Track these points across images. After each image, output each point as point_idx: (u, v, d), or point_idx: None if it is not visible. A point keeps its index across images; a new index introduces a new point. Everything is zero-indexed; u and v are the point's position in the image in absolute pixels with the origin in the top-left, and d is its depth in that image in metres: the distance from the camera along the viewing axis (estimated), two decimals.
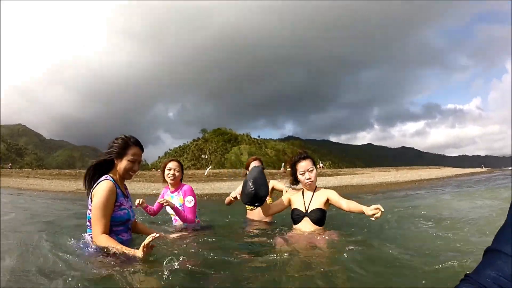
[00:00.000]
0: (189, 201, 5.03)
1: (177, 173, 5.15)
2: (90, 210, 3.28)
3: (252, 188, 4.06)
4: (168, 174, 5.12)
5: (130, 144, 3.49)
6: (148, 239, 2.83)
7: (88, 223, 3.36)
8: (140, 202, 4.82)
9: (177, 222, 5.15)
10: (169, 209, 5.09)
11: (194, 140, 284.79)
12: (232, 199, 5.11)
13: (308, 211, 4.35)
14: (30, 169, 51.15)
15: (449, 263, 2.80)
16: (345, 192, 19.81)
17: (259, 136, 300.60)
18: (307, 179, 4.39)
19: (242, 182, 4.46)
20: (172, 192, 5.20)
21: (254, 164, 5.37)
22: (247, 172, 5.32)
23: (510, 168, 68.94)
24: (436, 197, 12.33)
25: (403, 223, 5.51)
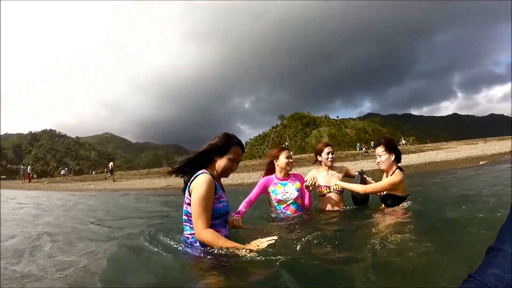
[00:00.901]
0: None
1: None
2: (187, 204, 3.31)
3: (355, 197, 5.41)
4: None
5: (233, 143, 3.51)
6: (269, 242, 2.86)
7: (185, 217, 3.38)
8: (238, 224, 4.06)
9: (285, 214, 4.98)
10: (284, 196, 4.99)
11: (273, 127, 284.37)
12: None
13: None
14: (122, 171, 54.42)
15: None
16: (428, 169, 19.38)
17: (337, 117, 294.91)
18: (377, 163, 5.03)
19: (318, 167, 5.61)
20: (282, 180, 5.11)
21: (328, 150, 5.48)
22: (318, 158, 5.61)
23: None
24: None
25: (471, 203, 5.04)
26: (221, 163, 3.44)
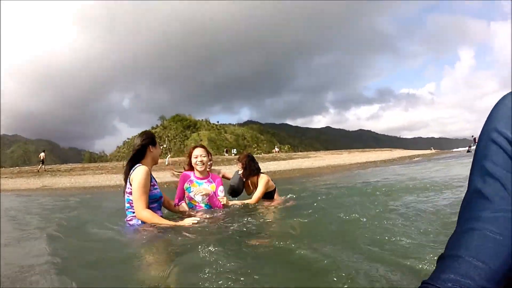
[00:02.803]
0: (222, 191, 5.32)
1: (204, 159, 5.18)
2: (129, 193, 4.05)
3: (233, 190, 6.31)
4: (196, 161, 5.16)
5: (154, 136, 4.48)
6: (193, 221, 3.91)
7: (127, 204, 4.13)
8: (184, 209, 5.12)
9: (201, 208, 5.19)
10: (197, 197, 5.17)
11: (152, 128, 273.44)
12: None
13: None
14: None
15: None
16: (292, 175, 21.28)
17: (218, 122, 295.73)
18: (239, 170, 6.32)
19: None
20: (200, 179, 5.25)
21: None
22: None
23: (458, 149, 73.52)
24: (362, 179, 13.92)
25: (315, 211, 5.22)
26: (156, 152, 4.38)
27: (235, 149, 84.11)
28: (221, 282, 2.26)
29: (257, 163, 6.30)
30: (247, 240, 3.51)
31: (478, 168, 1.01)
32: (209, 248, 2.98)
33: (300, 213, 4.65)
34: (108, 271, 2.89)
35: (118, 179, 23.77)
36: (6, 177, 31.93)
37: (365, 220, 4.00)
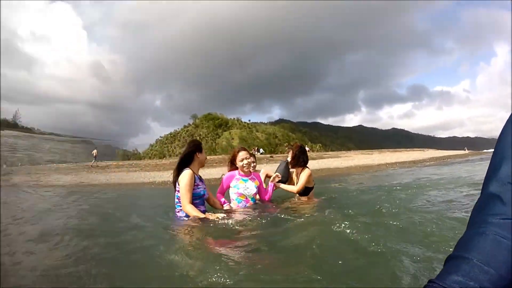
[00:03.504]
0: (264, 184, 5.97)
1: (249, 160, 5.66)
2: (178, 191, 4.93)
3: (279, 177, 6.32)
4: (243, 164, 5.59)
5: (200, 143, 5.36)
6: (216, 217, 4.50)
7: (176, 200, 5.00)
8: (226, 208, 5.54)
9: (248, 203, 5.64)
10: (245, 191, 5.62)
11: (184, 126, 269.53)
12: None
13: None
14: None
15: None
16: (320, 174, 21.46)
17: (249, 120, 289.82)
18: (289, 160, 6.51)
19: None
20: (244, 176, 5.70)
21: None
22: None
23: (490, 150, 70.63)
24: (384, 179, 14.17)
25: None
26: (202, 156, 5.21)
27: (261, 149, 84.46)
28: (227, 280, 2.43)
29: (307, 157, 6.47)
30: (269, 243, 3.67)
31: (497, 171, 1.01)
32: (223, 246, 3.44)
33: (328, 216, 4.64)
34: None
35: (151, 176, 24.79)
36: (44, 174, 32.86)
37: (383, 220, 4.17)
